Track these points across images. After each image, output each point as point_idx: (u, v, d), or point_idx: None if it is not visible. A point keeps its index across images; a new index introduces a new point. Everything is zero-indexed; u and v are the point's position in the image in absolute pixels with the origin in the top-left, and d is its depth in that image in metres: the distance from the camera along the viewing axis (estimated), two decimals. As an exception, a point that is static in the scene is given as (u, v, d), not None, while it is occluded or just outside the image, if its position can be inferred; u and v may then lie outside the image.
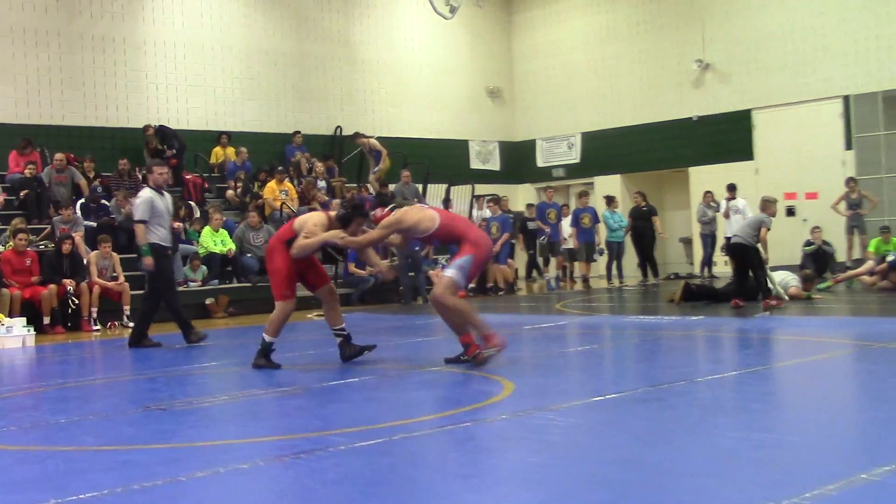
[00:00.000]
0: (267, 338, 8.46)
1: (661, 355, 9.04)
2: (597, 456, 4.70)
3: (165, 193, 10.93)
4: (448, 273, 7.97)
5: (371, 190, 20.19)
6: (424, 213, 8.13)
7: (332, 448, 4.94)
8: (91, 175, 17.53)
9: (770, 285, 12.90)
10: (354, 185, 20.67)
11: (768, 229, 12.54)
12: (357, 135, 21.51)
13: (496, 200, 19.68)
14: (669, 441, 4.94)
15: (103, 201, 16.69)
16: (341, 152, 22.05)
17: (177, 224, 10.81)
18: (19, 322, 12.32)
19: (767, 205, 12.84)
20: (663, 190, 23.64)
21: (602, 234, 20.01)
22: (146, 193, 10.71)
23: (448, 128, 24.38)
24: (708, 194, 20.37)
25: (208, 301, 15.56)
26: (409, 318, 14.01)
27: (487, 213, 20.14)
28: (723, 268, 19.60)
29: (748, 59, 21.46)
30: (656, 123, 22.90)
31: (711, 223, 20.22)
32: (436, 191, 21.92)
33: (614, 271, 20.00)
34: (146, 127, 19.08)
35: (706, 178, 21.68)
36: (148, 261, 10.57)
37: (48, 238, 15.29)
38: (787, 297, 13.26)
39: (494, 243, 18.48)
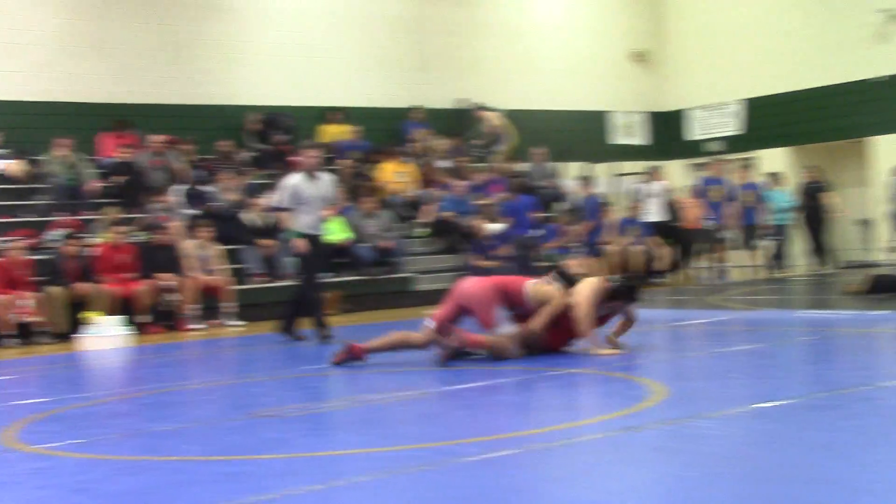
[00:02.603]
0: None
1: (839, 356, 8.84)
2: (763, 471, 4.63)
3: (323, 178, 11.38)
4: None
5: (498, 171, 20.23)
6: None
7: (461, 459, 4.99)
8: (191, 158, 18.00)
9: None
10: (482, 165, 20.72)
11: None
12: (478, 107, 21.51)
13: (584, 181, 19.34)
14: (850, 455, 4.83)
15: (204, 187, 17.09)
16: (466, 128, 22.12)
17: (325, 211, 11.42)
18: (115, 321, 12.78)
19: None
20: (837, 164, 22.99)
21: (767, 216, 19.51)
22: (290, 179, 11.33)
23: (586, 98, 24.17)
24: None
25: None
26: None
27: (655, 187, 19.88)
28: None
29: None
30: (831, 86, 22.26)
31: None
32: (572, 169, 21.82)
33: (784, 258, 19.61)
34: (249, 118, 19.43)
35: (891, 148, 20.99)
36: (298, 243, 11.13)
37: (145, 228, 15.78)
38: None
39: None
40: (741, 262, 19.64)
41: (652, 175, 20.15)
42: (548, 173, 20.80)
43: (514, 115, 21.73)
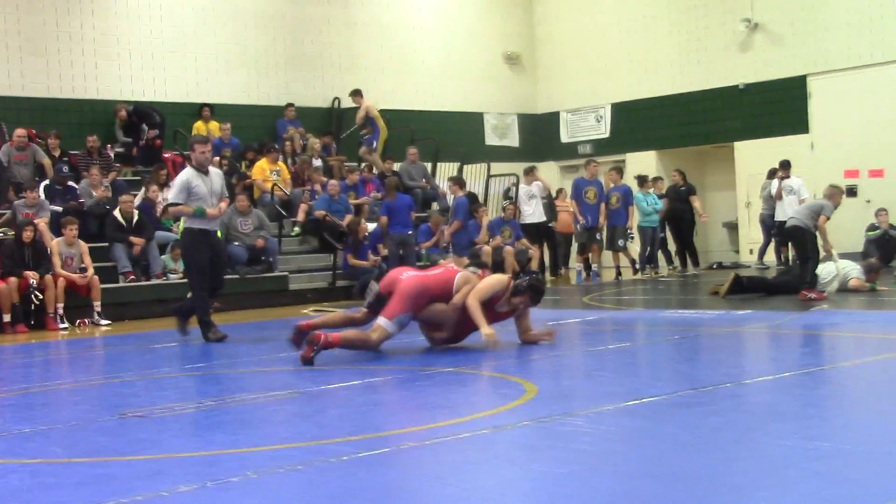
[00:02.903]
0: None
1: (705, 355, 9.04)
2: (631, 467, 4.71)
3: (212, 172, 11.19)
4: None
5: (374, 168, 20.23)
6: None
7: (334, 459, 4.96)
8: (56, 153, 17.58)
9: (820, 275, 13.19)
10: (355, 163, 20.68)
11: (828, 218, 12.85)
12: (357, 92, 21.31)
13: (457, 181, 19.66)
14: (714, 451, 4.94)
15: (71, 183, 16.73)
16: (340, 127, 22.06)
17: (221, 206, 11.23)
18: (-23, 320, 12.40)
19: (834, 194, 13.33)
20: (704, 168, 23.59)
21: (634, 219, 19.83)
22: (184, 174, 11.13)
23: (460, 99, 24.34)
24: (777, 170, 19.86)
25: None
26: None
27: (533, 188, 19.96)
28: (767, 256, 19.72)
29: (804, 18, 21.31)
30: (697, 92, 22.82)
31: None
32: (447, 170, 21.92)
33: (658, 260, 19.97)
34: (118, 108, 19.05)
35: (754, 153, 21.60)
36: (211, 211, 10.94)
37: (8, 225, 15.35)
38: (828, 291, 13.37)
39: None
40: (612, 263, 19.95)
41: (528, 176, 20.33)
42: (422, 173, 20.86)
43: (390, 115, 21.73)
